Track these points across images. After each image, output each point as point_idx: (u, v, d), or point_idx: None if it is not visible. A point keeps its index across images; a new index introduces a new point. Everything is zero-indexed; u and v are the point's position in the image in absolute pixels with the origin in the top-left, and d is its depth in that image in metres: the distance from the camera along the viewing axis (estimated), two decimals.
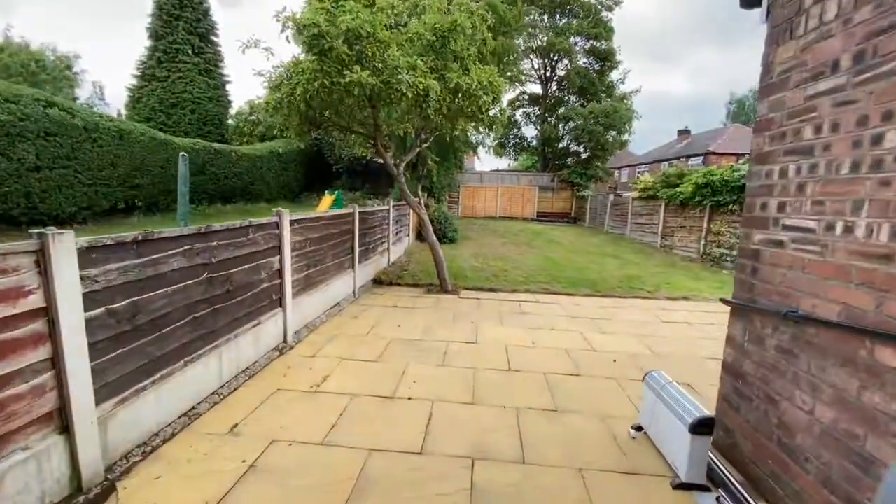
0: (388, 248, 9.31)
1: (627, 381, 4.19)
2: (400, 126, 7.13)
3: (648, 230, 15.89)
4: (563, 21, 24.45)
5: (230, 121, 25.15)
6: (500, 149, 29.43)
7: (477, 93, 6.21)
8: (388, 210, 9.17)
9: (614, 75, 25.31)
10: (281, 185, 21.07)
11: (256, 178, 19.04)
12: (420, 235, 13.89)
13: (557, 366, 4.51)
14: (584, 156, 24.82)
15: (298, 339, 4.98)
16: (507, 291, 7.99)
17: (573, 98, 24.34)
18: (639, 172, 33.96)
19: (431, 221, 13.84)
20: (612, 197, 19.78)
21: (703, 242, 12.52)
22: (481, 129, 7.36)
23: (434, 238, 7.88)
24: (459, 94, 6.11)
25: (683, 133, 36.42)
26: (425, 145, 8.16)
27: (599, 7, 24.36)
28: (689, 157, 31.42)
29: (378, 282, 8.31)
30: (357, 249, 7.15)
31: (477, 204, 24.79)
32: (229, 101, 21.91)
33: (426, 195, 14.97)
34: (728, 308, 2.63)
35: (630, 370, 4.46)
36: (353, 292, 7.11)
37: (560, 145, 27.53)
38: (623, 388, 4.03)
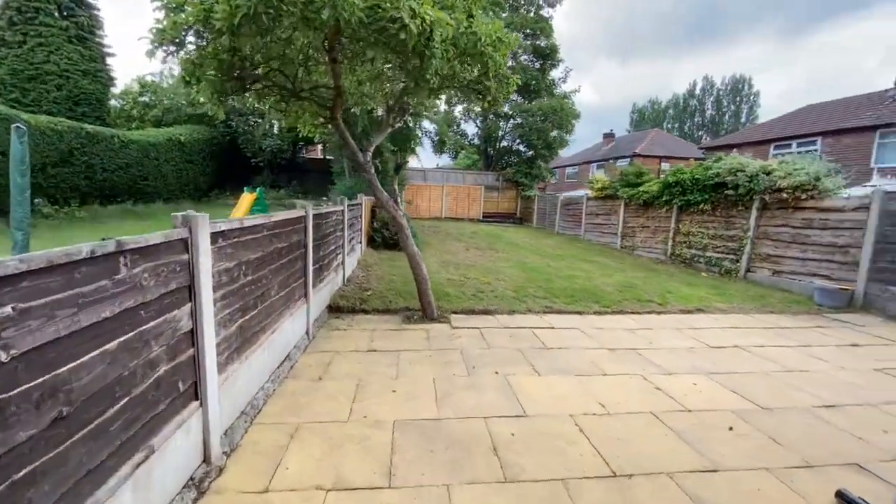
0: (342, 262, 7.13)
1: (786, 470, 2.74)
2: (373, 93, 5.07)
3: (607, 231, 15.41)
4: (506, 15, 23.63)
5: (113, 101, 20.29)
6: (442, 144, 27.91)
7: (486, 49, 4.45)
8: (343, 211, 7.00)
9: (555, 73, 25.13)
10: (183, 181, 17.28)
11: (150, 172, 15.23)
12: (373, 242, 11.70)
13: (670, 451, 2.93)
14: (528, 154, 24.24)
15: (232, 448, 2.78)
16: (505, 313, 6.34)
17: (515, 96, 23.67)
18: (589, 173, 34.74)
19: (385, 226, 11.81)
20: (562, 196, 19.26)
21: (670, 243, 12.11)
22: (473, 100, 5.56)
23: (415, 248, 5.94)
24: (466, 50, 4.29)
25: (608, 136, 38.12)
26: (398, 124, 6.17)
27: (541, 3, 23.91)
28: (616, 158, 32.77)
29: (335, 309, 6.13)
30: (311, 269, 4.96)
31: (421, 203, 22.95)
32: (111, 78, 17.42)
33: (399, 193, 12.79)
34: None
35: (770, 448, 3.02)
36: (308, 332, 4.92)
37: (503, 144, 26.80)
38: (800, 492, 2.55)
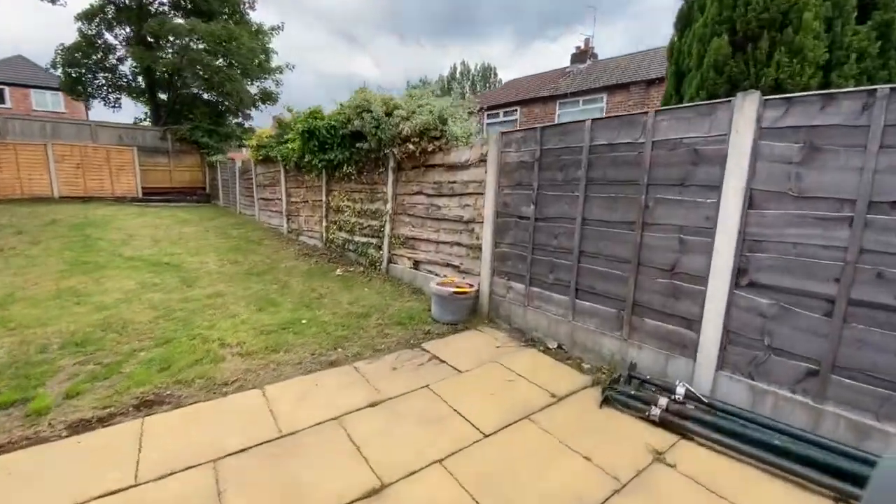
0: None
1: None
2: None
3: (275, 209, 10.99)
4: None
5: None
6: (75, 83, 17.92)
7: None
8: None
9: None
10: None
11: None
12: None
13: None
14: (215, 103, 17.57)
15: None
16: None
17: (168, 7, 16.29)
18: None
19: None
20: (239, 163, 13.85)
21: (324, 223, 8.48)
22: None
23: None
24: None
25: None
26: None
27: None
28: None
29: None
30: None
31: None
32: None
33: None
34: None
35: None
36: None
37: (187, 91, 19.03)
38: None
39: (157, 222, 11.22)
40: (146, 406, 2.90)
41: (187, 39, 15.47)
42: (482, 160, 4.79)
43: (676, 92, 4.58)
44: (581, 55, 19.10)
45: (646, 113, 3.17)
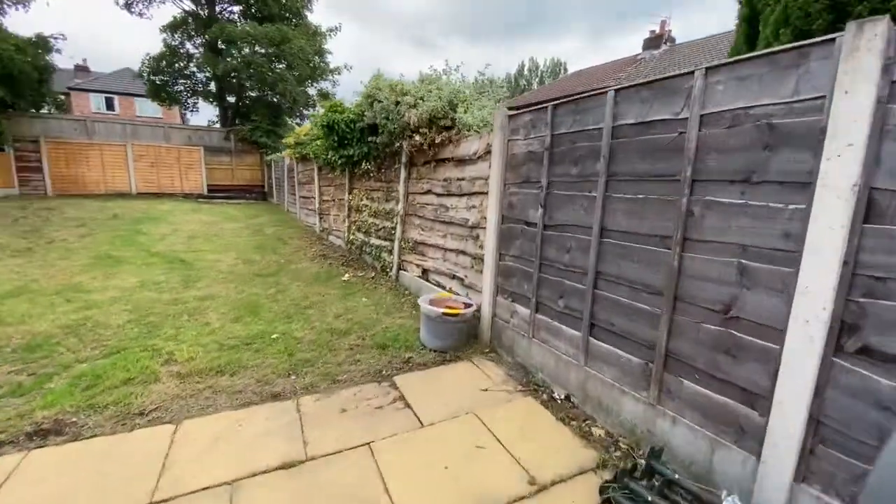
0: None
1: None
2: None
3: (311, 208, 10.88)
4: None
5: None
6: (159, 91, 19.70)
7: None
8: None
9: None
10: None
11: None
12: None
13: None
14: (275, 103, 18.27)
15: None
16: None
17: (237, 15, 17.12)
18: None
19: None
20: (288, 161, 14.11)
21: (347, 224, 8.05)
22: None
23: None
24: None
25: None
26: None
27: None
28: None
29: None
30: None
31: (88, 173, 15.04)
32: None
33: None
34: None
35: None
36: None
37: (252, 94, 20.11)
38: None
39: (205, 218, 11.68)
40: (40, 435, 2.47)
41: (245, 43, 16.13)
42: (488, 152, 3.91)
43: (748, 43, 3.29)
44: (656, 40, 17.07)
45: (691, 73, 2.11)
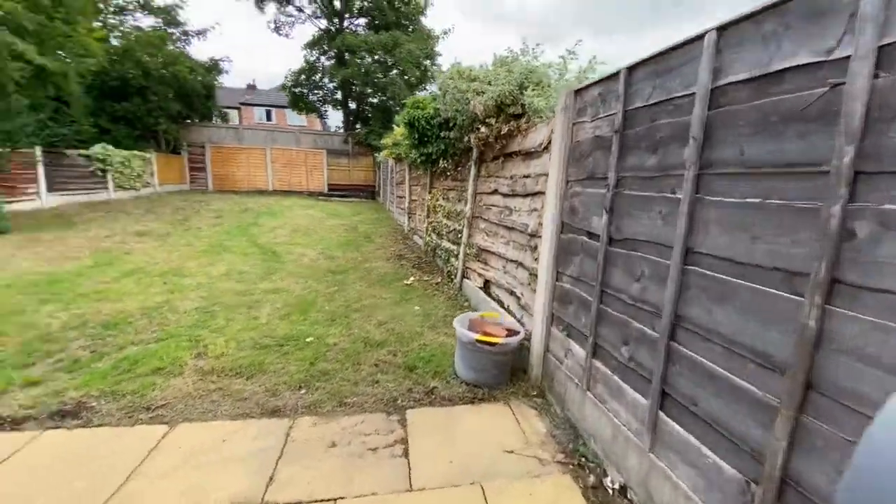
0: None
1: None
2: None
3: (402, 207, 10.99)
4: None
5: None
6: (299, 101, 22.47)
7: None
8: None
9: None
10: None
11: None
12: None
13: None
14: (386, 107, 19.33)
15: None
16: None
17: (362, 27, 18.38)
18: None
19: None
20: (391, 161, 14.65)
21: (425, 224, 7.77)
22: None
23: None
24: None
25: None
26: None
27: None
28: None
29: None
30: None
31: (237, 172, 17.85)
32: None
33: None
34: None
35: None
36: None
37: (374, 100, 21.67)
38: None
39: (314, 214, 12.74)
40: (59, 417, 2.59)
41: (363, 51, 17.27)
42: (552, 141, 3.10)
43: None
44: None
45: None
